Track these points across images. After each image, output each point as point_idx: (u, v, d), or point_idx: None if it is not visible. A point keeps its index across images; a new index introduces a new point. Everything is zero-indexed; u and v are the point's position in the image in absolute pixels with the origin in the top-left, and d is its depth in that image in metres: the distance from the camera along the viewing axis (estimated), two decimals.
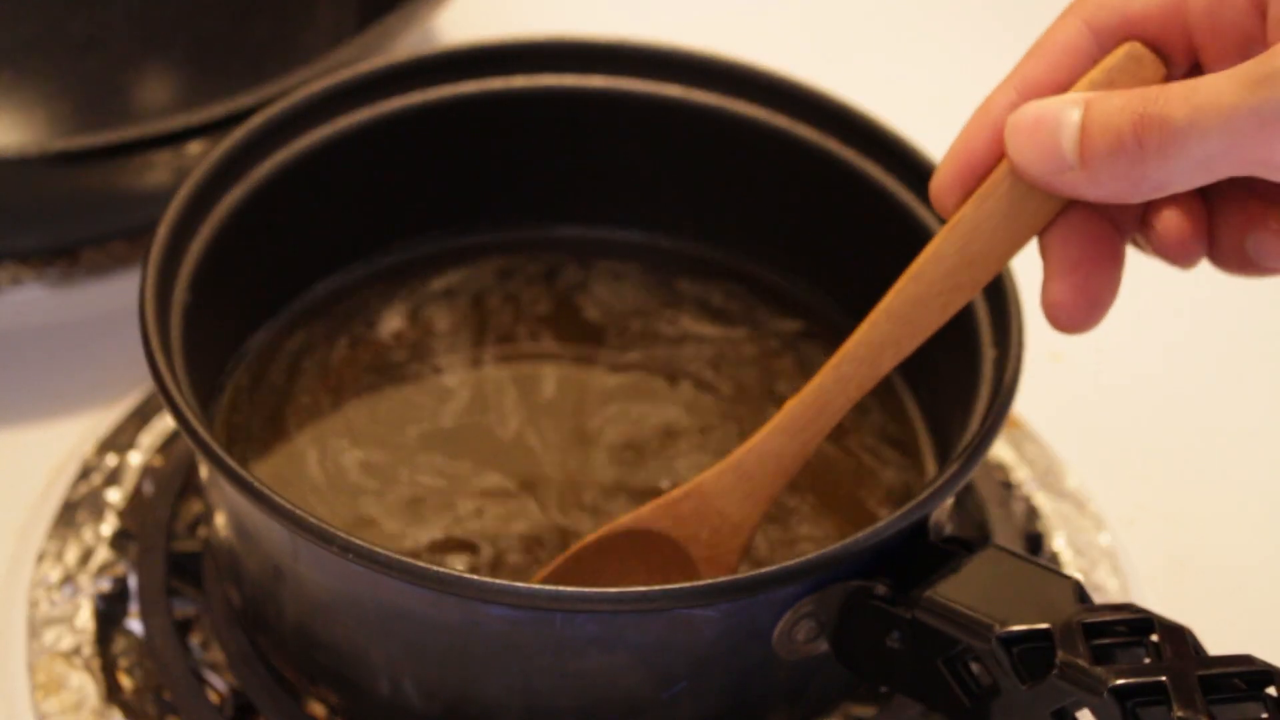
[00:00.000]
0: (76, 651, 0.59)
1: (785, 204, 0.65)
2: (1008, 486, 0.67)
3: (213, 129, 0.66)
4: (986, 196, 0.47)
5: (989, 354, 0.55)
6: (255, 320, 0.63)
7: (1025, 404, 0.64)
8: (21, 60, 0.82)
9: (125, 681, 0.59)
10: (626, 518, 0.54)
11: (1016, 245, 0.48)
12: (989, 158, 0.47)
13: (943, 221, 0.49)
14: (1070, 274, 0.47)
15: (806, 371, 0.63)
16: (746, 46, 0.66)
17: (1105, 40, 0.47)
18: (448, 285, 0.65)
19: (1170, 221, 0.47)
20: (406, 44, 0.74)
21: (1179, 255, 0.47)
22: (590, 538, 0.54)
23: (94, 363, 0.71)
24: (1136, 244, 0.48)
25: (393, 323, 0.64)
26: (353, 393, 0.62)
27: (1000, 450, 0.68)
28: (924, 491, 0.51)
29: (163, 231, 0.56)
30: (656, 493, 0.59)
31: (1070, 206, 0.47)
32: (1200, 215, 0.47)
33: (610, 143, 0.65)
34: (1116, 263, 0.47)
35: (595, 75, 0.64)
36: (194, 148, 0.67)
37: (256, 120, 0.60)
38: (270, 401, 0.61)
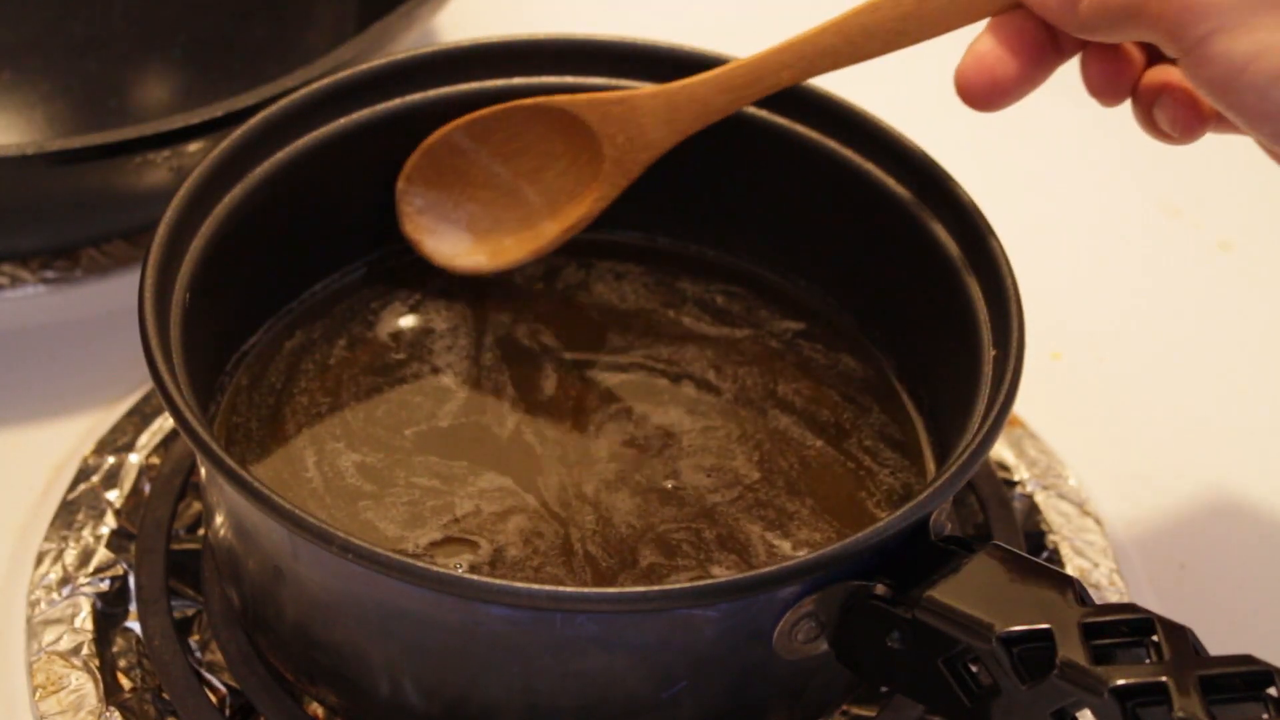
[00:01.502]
0: (75, 652, 0.59)
1: (785, 204, 0.65)
2: (1008, 486, 0.67)
3: (212, 129, 0.66)
4: None
5: (989, 354, 0.55)
6: (255, 320, 0.63)
7: (1026, 404, 0.64)
8: (21, 60, 0.82)
9: (124, 682, 0.59)
10: (562, 97, 0.61)
11: (967, 18, 0.54)
12: None
13: None
14: (993, 48, 0.53)
15: (808, 372, 0.63)
16: (746, 46, 0.65)
17: None
18: (447, 285, 0.65)
19: (1106, 57, 0.53)
20: (406, 44, 0.74)
21: (1103, 91, 0.54)
22: (525, 101, 0.61)
23: (94, 363, 0.71)
24: (1082, 67, 0.54)
25: (392, 323, 0.64)
26: (352, 392, 0.62)
27: (1000, 450, 0.68)
28: (924, 491, 0.51)
29: (162, 231, 0.56)
30: (659, 490, 0.59)
31: (1021, 8, 0.53)
32: (1133, 63, 0.54)
33: None
34: (1041, 65, 0.53)
35: (595, 75, 0.64)
36: (193, 148, 0.67)
37: (256, 120, 0.60)
38: (270, 401, 0.61)
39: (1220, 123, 0.54)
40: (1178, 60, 0.50)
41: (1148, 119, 0.54)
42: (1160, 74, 0.54)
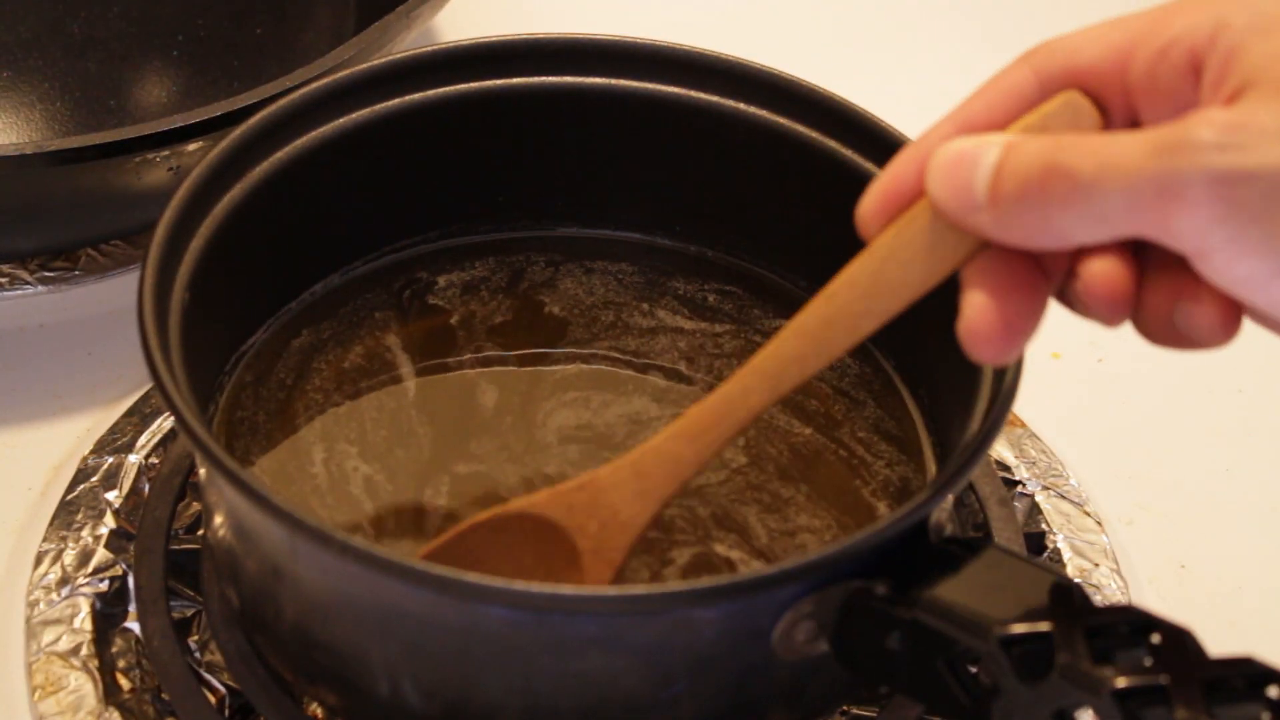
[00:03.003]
0: (75, 652, 0.59)
1: (785, 204, 0.65)
2: (1008, 486, 0.67)
3: (212, 129, 0.66)
4: (905, 226, 0.47)
5: None
6: (254, 320, 0.63)
7: (1026, 404, 0.64)
8: (21, 60, 0.83)
9: (123, 682, 0.59)
10: (519, 501, 0.54)
11: (931, 278, 0.48)
12: (915, 189, 0.47)
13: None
14: (989, 300, 0.46)
15: None
16: (746, 46, 0.66)
17: (1049, 87, 0.47)
18: (446, 285, 0.65)
19: (1096, 275, 0.46)
20: (406, 44, 0.74)
21: (1102, 311, 0.47)
22: (482, 516, 0.54)
23: (93, 363, 0.71)
24: (1063, 298, 0.47)
25: (391, 322, 0.64)
26: (351, 392, 0.62)
27: (1001, 450, 0.68)
28: (924, 492, 0.51)
29: (162, 231, 0.55)
30: None
31: (990, 248, 0.46)
32: (1129, 275, 0.46)
33: (610, 142, 0.65)
34: (1039, 298, 0.47)
35: (595, 75, 0.64)
36: (192, 147, 0.67)
37: (255, 120, 0.60)
38: (269, 402, 0.61)
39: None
40: (1195, 261, 0.43)
41: (1166, 330, 0.46)
42: (1167, 278, 0.46)
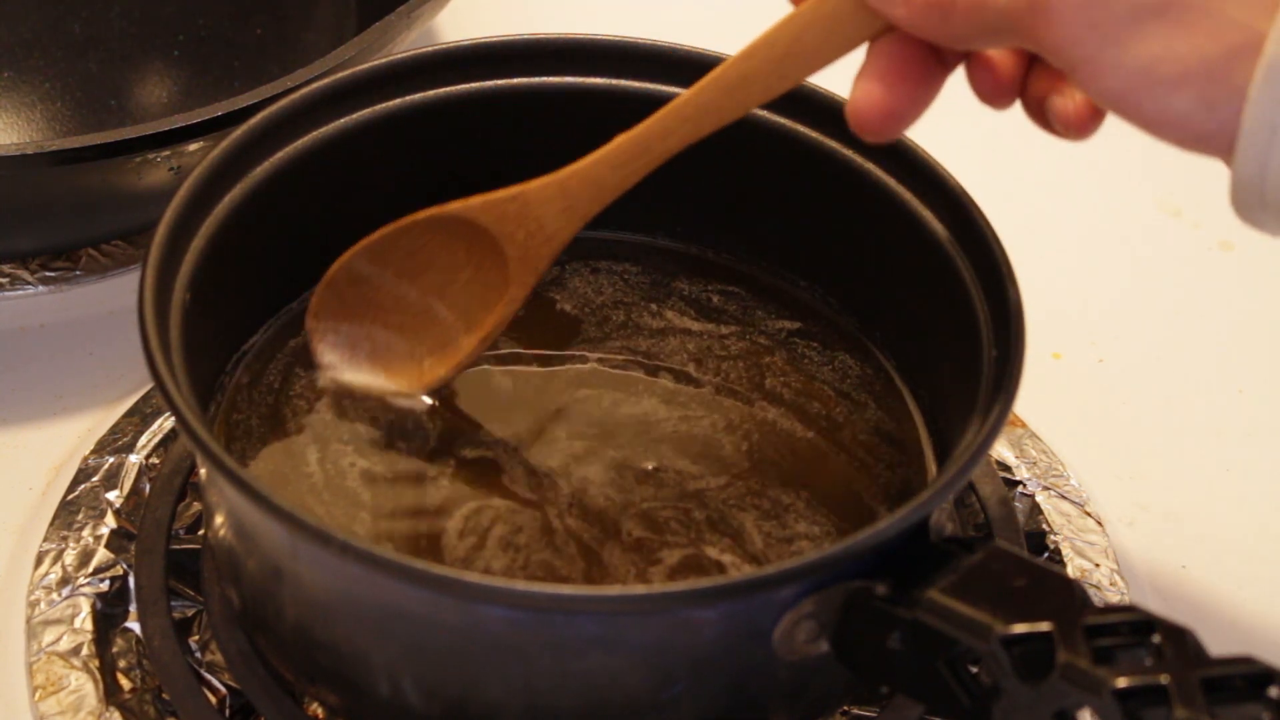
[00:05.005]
0: (75, 652, 0.59)
1: (785, 204, 0.65)
2: (1009, 486, 0.67)
3: (212, 129, 0.66)
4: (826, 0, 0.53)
5: (990, 354, 0.55)
6: (255, 320, 0.63)
7: (1026, 404, 0.64)
8: (21, 60, 0.82)
9: (124, 682, 0.59)
10: (455, 204, 0.59)
11: (843, 48, 0.53)
12: None
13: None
14: (879, 81, 0.52)
15: (798, 368, 0.63)
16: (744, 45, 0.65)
17: None
18: None
19: (989, 61, 0.53)
20: (407, 44, 0.74)
21: (991, 96, 0.53)
22: (420, 215, 0.59)
23: (93, 363, 0.71)
24: (967, 75, 0.53)
25: None
26: (351, 392, 0.62)
27: (1001, 450, 0.68)
28: (925, 492, 0.51)
29: (162, 231, 0.55)
30: (636, 469, 0.59)
31: (895, 30, 0.52)
32: (1017, 65, 0.53)
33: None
34: (928, 86, 0.52)
35: (595, 75, 0.64)
36: (193, 147, 0.67)
37: (256, 120, 0.60)
38: (270, 402, 0.61)
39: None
40: (1066, 73, 0.49)
41: (1040, 117, 0.53)
42: (1048, 73, 0.53)
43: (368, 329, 0.61)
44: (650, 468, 0.59)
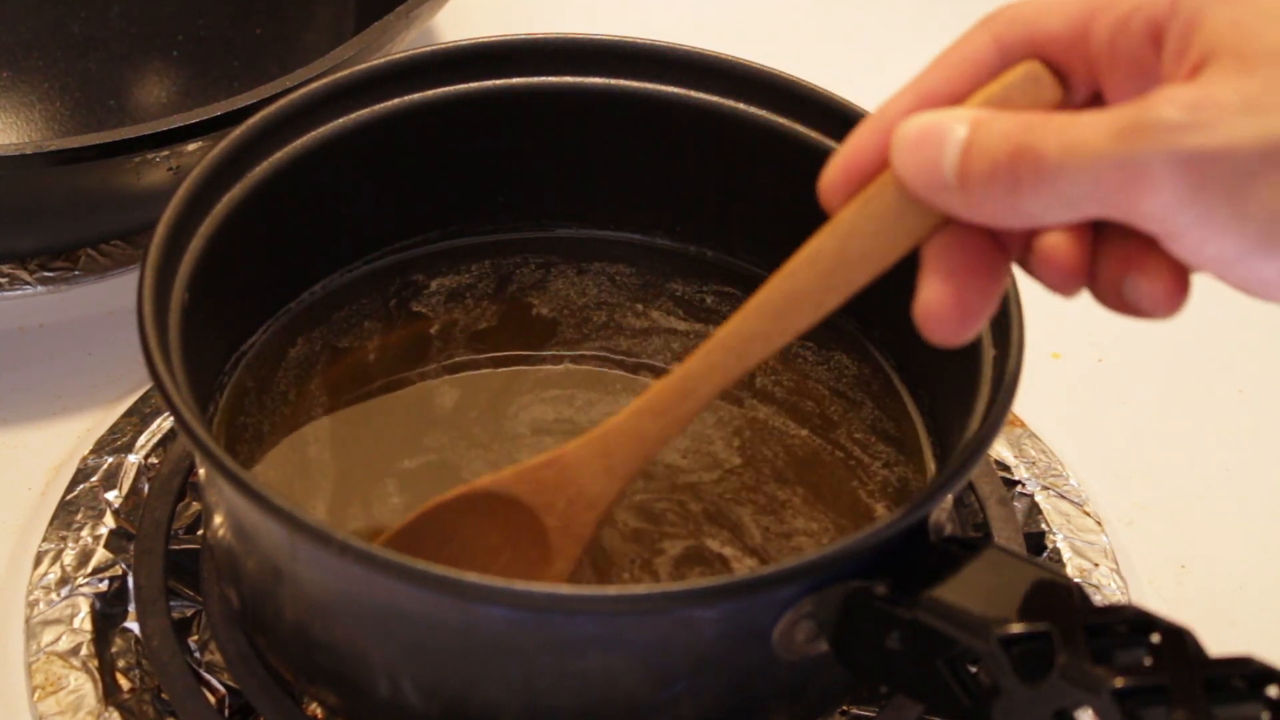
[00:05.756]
0: (74, 652, 0.59)
1: (785, 204, 0.64)
2: (1008, 486, 0.67)
3: (211, 129, 0.66)
4: (869, 201, 0.47)
5: (989, 353, 0.55)
6: (254, 320, 0.63)
7: (1026, 403, 0.64)
8: (21, 60, 0.82)
9: (123, 682, 0.59)
10: (485, 479, 0.54)
11: (894, 253, 0.47)
12: (878, 162, 0.47)
13: None
14: (946, 282, 0.46)
15: (791, 366, 0.63)
16: (746, 46, 0.65)
17: (1010, 57, 0.46)
18: (446, 285, 0.65)
19: (1054, 249, 0.45)
20: (406, 44, 0.74)
21: (1059, 283, 0.46)
22: (447, 495, 0.54)
23: (92, 363, 0.71)
24: (1021, 264, 0.47)
25: (391, 323, 0.64)
26: (351, 393, 0.62)
27: (1000, 450, 0.68)
28: (925, 491, 0.51)
29: (161, 231, 0.55)
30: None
31: (950, 224, 0.46)
32: (1085, 247, 0.46)
33: (609, 143, 0.65)
34: (996, 278, 0.46)
35: (595, 75, 0.64)
36: (192, 147, 0.67)
37: (255, 120, 0.60)
38: (269, 402, 0.61)
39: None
40: (1163, 241, 0.43)
41: (1117, 299, 0.46)
42: (1123, 246, 0.45)
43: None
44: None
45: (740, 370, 0.51)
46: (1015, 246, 0.46)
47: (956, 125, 0.44)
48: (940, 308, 0.46)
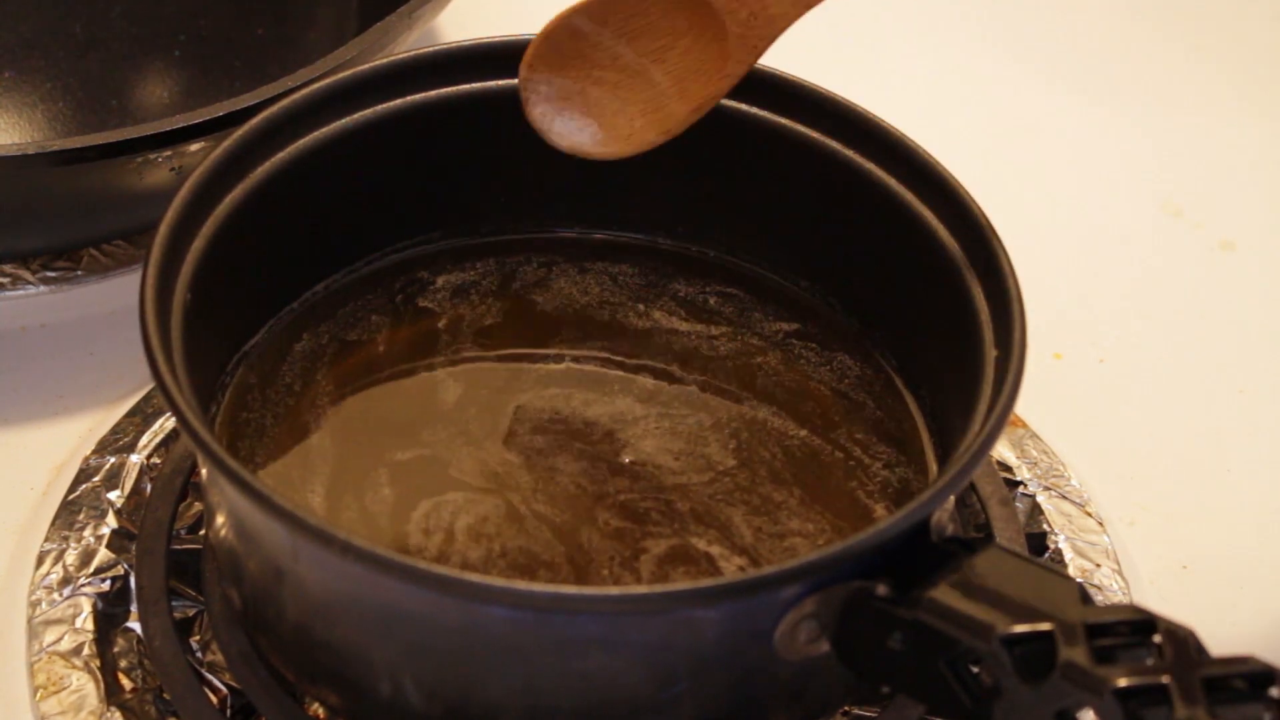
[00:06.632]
0: (76, 652, 0.59)
1: (785, 205, 0.65)
2: (1010, 486, 0.67)
3: (214, 129, 0.66)
4: None
5: (991, 354, 0.55)
6: (256, 320, 0.63)
7: (1027, 404, 0.64)
8: (22, 60, 0.82)
9: (125, 682, 0.59)
10: None
11: None
12: None
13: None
14: None
15: (792, 367, 0.63)
16: None
17: None
18: (447, 285, 0.65)
19: None
20: (408, 44, 0.74)
21: None
22: None
23: (94, 363, 0.71)
24: None
25: (392, 323, 0.64)
26: (353, 392, 0.62)
27: (1002, 450, 0.68)
28: (926, 492, 0.51)
29: (163, 231, 0.55)
30: (610, 462, 0.59)
31: None
32: None
33: None
34: None
35: None
36: (194, 148, 0.67)
37: (257, 120, 0.60)
38: (271, 401, 0.61)
39: None
40: None
41: None
42: None
43: (580, 85, 0.60)
44: (626, 461, 0.59)
45: None
46: None
47: None
48: None
